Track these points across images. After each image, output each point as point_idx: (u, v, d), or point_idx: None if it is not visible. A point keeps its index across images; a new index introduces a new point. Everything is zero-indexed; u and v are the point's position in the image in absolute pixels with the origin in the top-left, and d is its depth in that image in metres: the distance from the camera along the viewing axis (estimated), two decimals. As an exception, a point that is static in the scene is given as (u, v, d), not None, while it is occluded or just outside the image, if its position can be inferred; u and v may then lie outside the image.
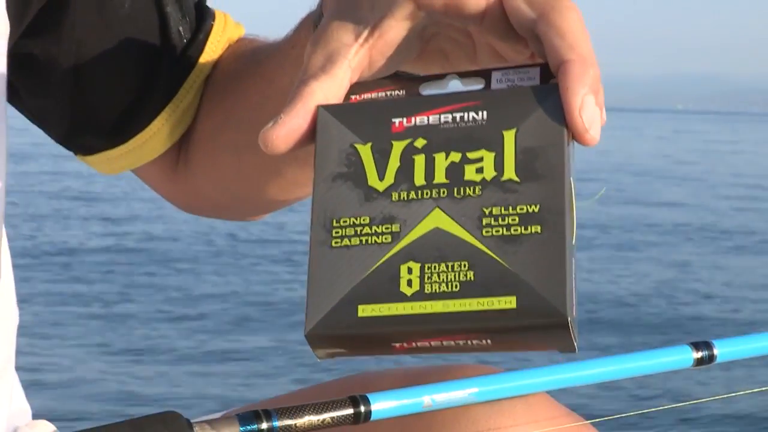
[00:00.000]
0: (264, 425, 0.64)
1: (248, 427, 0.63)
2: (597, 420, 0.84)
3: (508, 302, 0.64)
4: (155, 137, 1.02)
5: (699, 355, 0.76)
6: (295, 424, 0.65)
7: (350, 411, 0.67)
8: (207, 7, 1.05)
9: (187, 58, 1.01)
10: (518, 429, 0.79)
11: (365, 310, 0.66)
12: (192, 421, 0.62)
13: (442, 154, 0.68)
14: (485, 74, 0.73)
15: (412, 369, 0.90)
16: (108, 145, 1.02)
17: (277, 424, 0.65)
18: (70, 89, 0.98)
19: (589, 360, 0.74)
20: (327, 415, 0.66)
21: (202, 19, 1.03)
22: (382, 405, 0.68)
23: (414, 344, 0.66)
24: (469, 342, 0.65)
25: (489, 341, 0.65)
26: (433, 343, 0.66)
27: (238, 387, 4.88)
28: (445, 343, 0.66)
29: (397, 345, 0.66)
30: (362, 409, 0.67)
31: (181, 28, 1.01)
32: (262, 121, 0.71)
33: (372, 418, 0.68)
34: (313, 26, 0.86)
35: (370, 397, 0.68)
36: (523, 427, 0.79)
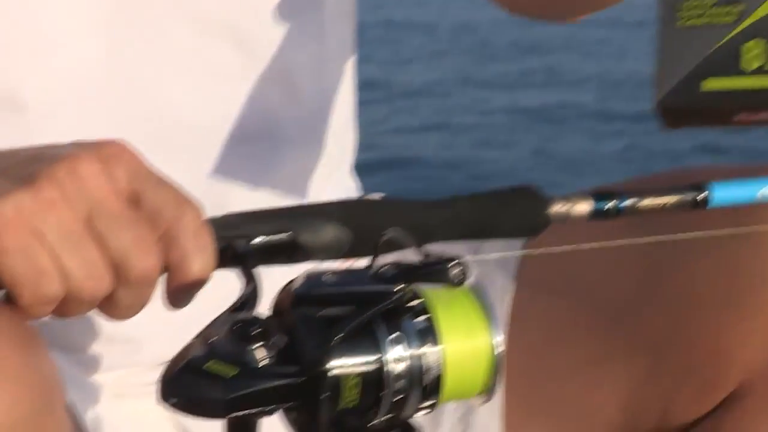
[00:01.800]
0: (611, 203, 0.70)
1: (600, 203, 0.69)
2: None
3: None
4: None
5: None
6: (638, 205, 0.71)
7: (691, 196, 0.71)
8: None
9: None
10: None
11: (709, 85, 0.71)
12: (549, 196, 0.68)
13: None
14: None
15: (737, 167, 0.93)
16: None
17: (623, 204, 0.70)
18: None
19: None
20: (668, 199, 0.71)
21: None
22: (720, 193, 0.72)
23: (755, 117, 0.71)
24: None
25: None
26: None
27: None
28: None
29: (738, 117, 0.71)
30: (702, 195, 0.71)
31: None
32: None
33: (709, 206, 0.72)
34: None
35: (710, 185, 0.72)
36: None
